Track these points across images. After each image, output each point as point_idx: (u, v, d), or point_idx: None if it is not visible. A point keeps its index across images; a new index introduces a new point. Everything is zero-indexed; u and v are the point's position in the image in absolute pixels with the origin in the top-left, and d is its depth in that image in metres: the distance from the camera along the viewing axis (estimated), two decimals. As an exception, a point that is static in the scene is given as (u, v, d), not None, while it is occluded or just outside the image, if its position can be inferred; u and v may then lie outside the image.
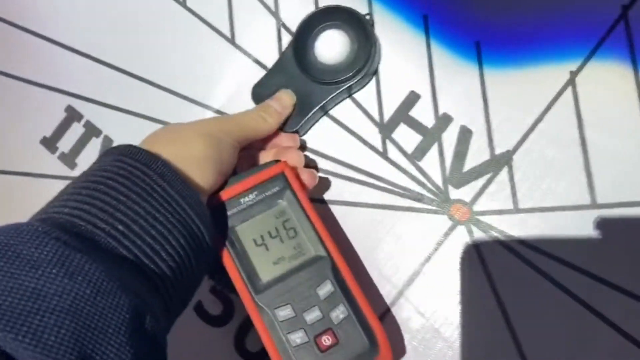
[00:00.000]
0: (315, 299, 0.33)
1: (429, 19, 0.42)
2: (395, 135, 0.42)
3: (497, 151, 0.40)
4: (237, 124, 0.37)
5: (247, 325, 0.42)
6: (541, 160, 0.39)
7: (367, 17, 0.42)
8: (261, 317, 0.33)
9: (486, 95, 0.41)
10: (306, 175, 0.37)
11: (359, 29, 0.41)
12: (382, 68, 0.43)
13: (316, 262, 0.34)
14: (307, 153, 0.43)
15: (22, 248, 0.23)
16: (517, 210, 0.39)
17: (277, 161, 0.36)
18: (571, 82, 0.39)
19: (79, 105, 0.47)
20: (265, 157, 0.39)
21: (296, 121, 0.41)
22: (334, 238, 0.35)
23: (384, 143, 0.42)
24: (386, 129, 0.42)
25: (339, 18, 0.41)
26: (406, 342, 0.39)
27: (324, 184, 0.42)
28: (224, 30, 0.46)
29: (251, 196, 0.35)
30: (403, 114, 0.42)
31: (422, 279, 0.40)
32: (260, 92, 0.42)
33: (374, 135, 0.42)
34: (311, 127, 0.43)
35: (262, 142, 0.40)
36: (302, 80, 0.41)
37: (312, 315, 0.33)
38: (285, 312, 0.33)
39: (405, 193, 0.41)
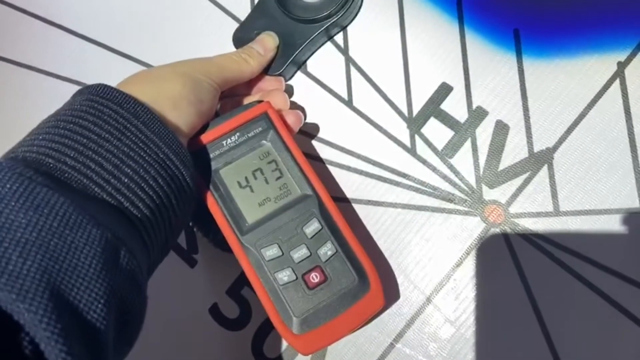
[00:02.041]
0: (302, 237, 0.33)
1: (462, 4, 0.39)
2: (425, 130, 0.39)
3: (536, 148, 0.37)
4: (217, 66, 0.35)
5: (265, 329, 0.39)
6: (585, 159, 0.36)
7: None
8: (248, 257, 0.33)
9: (525, 88, 0.37)
10: (291, 116, 0.36)
11: None
12: (411, 58, 0.40)
13: (302, 201, 0.33)
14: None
15: None
16: (557, 212, 0.36)
17: (259, 102, 0.35)
18: (619, 74, 0.36)
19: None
20: (249, 101, 0.38)
21: (280, 63, 0.40)
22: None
23: (412, 138, 0.39)
24: (415, 123, 0.39)
25: None
26: (435, 353, 0.36)
27: (370, 188, 0.40)
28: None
29: (234, 138, 0.34)
30: (433, 108, 0.39)
31: (452, 285, 0.37)
32: (242, 37, 0.41)
33: (401, 130, 0.40)
34: (298, 69, 0.42)
35: (247, 86, 0.39)
36: (284, 21, 0.40)
37: (300, 253, 0.32)
38: (272, 252, 0.32)
39: (435, 192, 0.38)
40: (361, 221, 0.39)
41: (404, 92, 0.40)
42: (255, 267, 0.32)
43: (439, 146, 0.39)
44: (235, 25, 0.43)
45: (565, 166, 0.36)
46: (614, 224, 0.35)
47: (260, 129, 0.34)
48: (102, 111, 0.28)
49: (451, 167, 0.38)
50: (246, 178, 0.34)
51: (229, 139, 0.34)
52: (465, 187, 0.38)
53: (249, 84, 0.39)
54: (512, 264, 0.36)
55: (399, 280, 0.38)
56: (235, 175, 0.34)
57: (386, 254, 0.38)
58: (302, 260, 0.32)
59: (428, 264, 0.38)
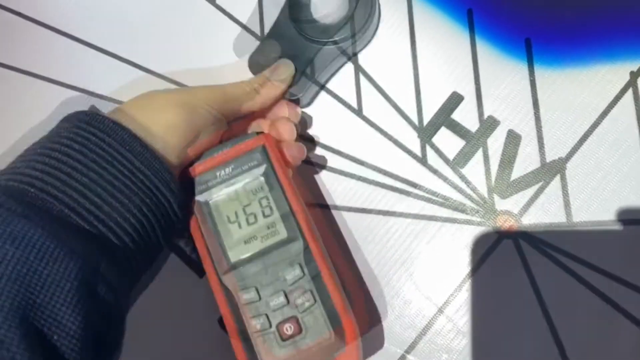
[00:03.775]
0: (282, 283, 0.31)
1: (473, 14, 0.39)
2: (436, 139, 0.39)
3: (549, 158, 0.37)
4: (223, 94, 0.34)
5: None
6: (598, 169, 0.36)
7: None
8: (225, 297, 0.31)
9: (537, 97, 0.37)
10: (293, 150, 0.35)
11: None
12: (422, 67, 0.40)
13: (288, 244, 0.32)
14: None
15: None
16: (570, 223, 0.36)
17: (258, 133, 0.34)
18: (632, 83, 0.36)
19: (101, 105, 0.45)
20: (261, 126, 0.37)
21: (298, 87, 0.38)
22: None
23: (423, 148, 0.39)
24: (426, 133, 0.39)
25: None
26: (447, 365, 0.36)
27: (378, 197, 0.39)
28: (253, 27, 0.43)
29: (227, 170, 0.33)
30: (444, 117, 0.39)
31: (464, 296, 0.37)
32: (258, 61, 0.39)
33: (412, 140, 0.39)
34: (317, 94, 0.41)
35: (262, 110, 0.38)
36: (300, 43, 0.39)
37: (277, 301, 0.31)
38: (249, 295, 0.31)
39: (446, 202, 0.38)
40: (371, 230, 0.39)
41: (415, 101, 0.40)
42: (231, 308, 0.31)
43: (450, 156, 0.39)
44: (234, 27, 0.43)
45: (578, 176, 0.36)
46: (627, 235, 0.35)
47: (255, 162, 0.33)
48: (88, 139, 0.28)
49: (462, 177, 0.38)
50: (236, 213, 0.33)
51: (222, 171, 0.33)
52: (477, 197, 0.38)
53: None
54: (524, 275, 0.36)
55: (410, 291, 0.37)
56: (225, 209, 0.33)
57: (397, 265, 0.38)
58: (279, 308, 0.31)
59: (439, 274, 0.37)
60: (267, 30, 0.41)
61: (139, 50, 0.45)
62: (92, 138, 0.28)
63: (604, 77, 0.36)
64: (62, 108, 0.46)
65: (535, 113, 0.37)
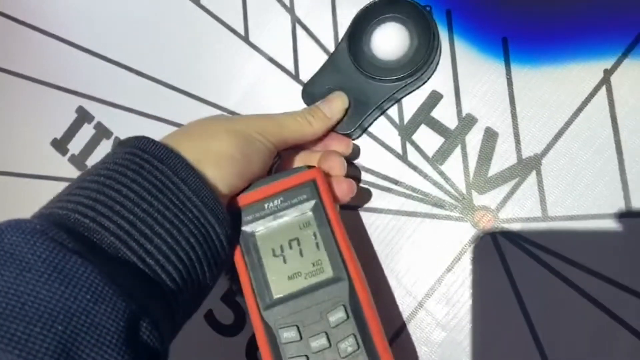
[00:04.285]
0: (325, 324, 0.30)
1: (452, 14, 0.40)
2: (416, 137, 0.40)
3: (525, 155, 0.37)
4: (277, 125, 0.34)
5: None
6: (572, 165, 0.37)
7: (428, 9, 0.39)
8: (265, 334, 0.30)
9: (513, 95, 0.38)
10: (343, 185, 0.34)
11: (418, 21, 0.38)
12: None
13: (333, 284, 0.30)
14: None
15: (17, 248, 0.23)
16: (546, 218, 0.37)
17: (310, 167, 0.34)
18: (605, 81, 0.37)
19: (89, 106, 0.46)
20: (309, 159, 0.37)
21: (351, 122, 0.38)
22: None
23: (403, 146, 0.40)
24: (406, 130, 0.40)
25: (397, 10, 0.38)
26: (426, 357, 0.37)
27: (363, 195, 0.40)
28: (238, 28, 0.44)
29: (276, 202, 0.32)
30: (424, 115, 0.40)
31: (443, 290, 0.38)
32: (312, 92, 0.39)
33: (393, 138, 0.40)
34: (367, 128, 0.40)
35: (312, 141, 0.38)
36: (357, 78, 0.38)
37: (318, 343, 0.29)
38: (290, 334, 0.30)
39: (426, 199, 0.39)
40: (354, 227, 0.39)
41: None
42: (271, 345, 0.30)
43: (430, 153, 0.39)
44: (227, 33, 0.43)
45: (554, 172, 0.37)
46: (601, 229, 0.35)
47: (305, 196, 0.32)
48: (142, 166, 0.28)
49: (442, 174, 0.39)
50: (281, 247, 0.32)
51: (271, 203, 0.32)
52: (456, 193, 0.38)
53: (315, 139, 0.37)
54: (501, 269, 0.37)
55: (392, 285, 0.38)
56: (271, 242, 0.32)
57: (378, 260, 0.39)
58: (320, 350, 0.29)
59: (420, 269, 0.38)
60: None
61: (130, 51, 0.46)
62: (146, 165, 0.28)
63: (579, 75, 0.37)
64: (51, 109, 0.47)
65: (512, 110, 0.38)
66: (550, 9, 0.38)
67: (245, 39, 0.44)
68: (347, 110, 0.38)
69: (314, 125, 0.36)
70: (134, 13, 0.46)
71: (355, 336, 0.29)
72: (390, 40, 0.38)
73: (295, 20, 0.43)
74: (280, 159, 0.37)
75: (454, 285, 0.37)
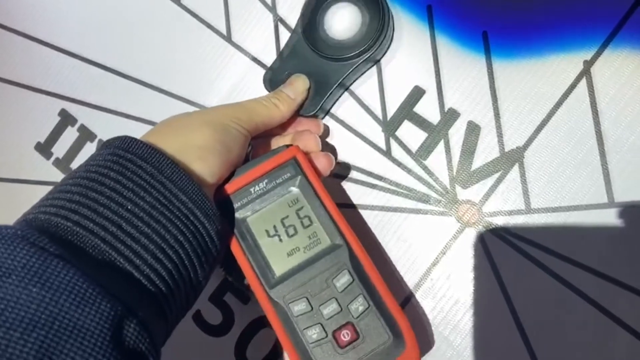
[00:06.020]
0: (333, 290, 0.31)
1: (432, 10, 0.40)
2: (399, 133, 0.40)
3: (508, 148, 0.38)
4: (246, 111, 0.35)
5: (247, 335, 0.40)
6: (554, 157, 0.37)
7: None
8: (276, 312, 0.31)
9: (495, 89, 0.38)
10: (322, 159, 0.35)
11: None
12: (385, 62, 0.41)
13: (333, 252, 0.31)
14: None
15: None
16: (529, 210, 0.37)
17: (288, 146, 0.34)
18: (586, 72, 0.37)
19: (72, 108, 0.46)
20: (281, 142, 0.37)
21: (314, 103, 0.39)
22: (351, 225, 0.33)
23: (387, 141, 0.40)
24: (389, 126, 0.40)
25: None
26: (414, 351, 0.37)
27: (348, 192, 0.40)
28: (219, 27, 0.44)
29: (261, 185, 0.33)
30: (407, 111, 0.40)
31: (429, 284, 0.38)
32: (272, 79, 0.40)
33: (376, 134, 0.40)
34: (331, 107, 0.41)
35: (280, 127, 0.38)
36: (315, 60, 0.39)
37: (330, 309, 0.30)
38: (300, 307, 0.31)
39: (411, 194, 0.39)
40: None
41: (378, 96, 0.41)
42: (284, 322, 0.31)
43: (413, 148, 0.39)
44: (210, 33, 0.43)
45: (536, 164, 0.37)
46: (583, 220, 0.36)
47: (288, 174, 0.33)
48: (125, 166, 0.28)
49: (425, 169, 0.39)
50: (274, 227, 0.33)
51: (256, 186, 0.33)
52: (440, 188, 0.39)
53: (283, 125, 0.38)
54: (486, 262, 0.37)
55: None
56: (264, 224, 0.33)
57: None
58: (333, 316, 0.30)
59: (406, 264, 0.38)
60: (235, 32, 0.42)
61: (102, 49, 0.45)
62: (129, 165, 0.28)
63: (559, 66, 0.37)
64: (34, 113, 0.46)
65: (493, 104, 0.38)
66: (529, 2, 0.39)
67: (228, 38, 0.44)
68: (309, 92, 0.39)
69: (280, 107, 0.37)
70: (116, 14, 0.46)
71: (363, 295, 0.31)
72: (342, 20, 0.39)
73: (278, 19, 0.43)
74: (252, 147, 0.38)
75: (440, 280, 0.38)
